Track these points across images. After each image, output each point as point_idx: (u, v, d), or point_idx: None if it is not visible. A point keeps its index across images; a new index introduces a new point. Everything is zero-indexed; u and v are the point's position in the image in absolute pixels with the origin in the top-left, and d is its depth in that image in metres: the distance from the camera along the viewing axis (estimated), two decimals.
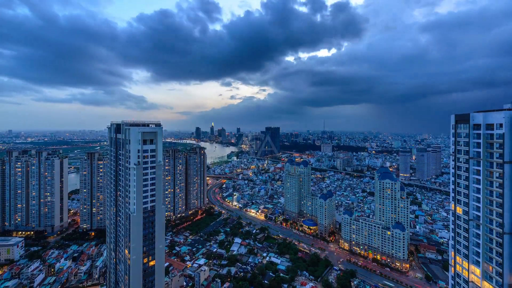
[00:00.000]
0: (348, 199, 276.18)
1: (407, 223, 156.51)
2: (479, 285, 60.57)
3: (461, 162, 66.12)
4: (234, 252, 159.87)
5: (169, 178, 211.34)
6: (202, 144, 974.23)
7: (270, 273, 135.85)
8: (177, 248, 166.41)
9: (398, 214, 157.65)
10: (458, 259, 66.77)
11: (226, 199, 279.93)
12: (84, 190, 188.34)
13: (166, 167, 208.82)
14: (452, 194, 69.09)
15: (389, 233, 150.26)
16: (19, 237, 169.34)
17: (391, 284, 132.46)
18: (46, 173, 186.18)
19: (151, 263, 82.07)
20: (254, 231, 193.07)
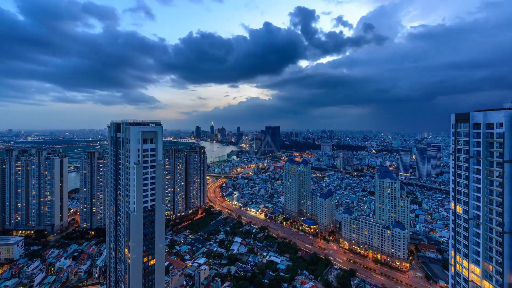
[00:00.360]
0: (348, 198, 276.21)
1: (407, 222, 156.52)
2: (479, 284, 60.57)
3: (461, 161, 66.03)
4: (234, 251, 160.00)
5: (169, 177, 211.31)
6: (202, 143, 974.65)
7: (270, 272, 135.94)
8: (177, 247, 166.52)
9: (398, 213, 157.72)
10: (458, 258, 66.75)
11: (226, 198, 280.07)
12: (84, 189, 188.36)
13: (166, 166, 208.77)
14: (452, 193, 69.02)
15: (389, 232, 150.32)
16: (19, 236, 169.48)
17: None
18: (46, 172, 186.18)
19: (151, 262, 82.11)
20: (254, 230, 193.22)
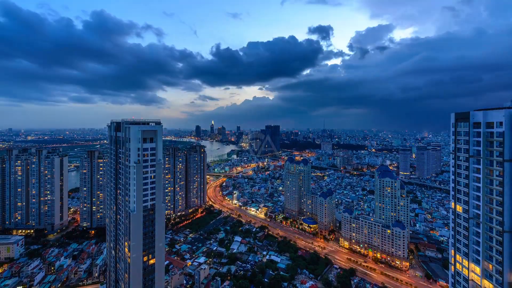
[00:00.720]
0: (348, 197, 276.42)
1: (407, 221, 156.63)
2: (479, 284, 60.59)
3: (461, 160, 65.93)
4: (234, 251, 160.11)
5: (169, 176, 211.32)
6: (202, 142, 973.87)
7: (270, 272, 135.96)
8: (177, 246, 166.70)
9: (398, 213, 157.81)
10: (458, 257, 66.76)
11: (226, 198, 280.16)
12: (84, 189, 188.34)
13: (166, 166, 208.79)
14: (452, 193, 68.94)
15: (389, 231, 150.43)
16: (19, 235, 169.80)
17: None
18: (46, 172, 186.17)
19: (151, 261, 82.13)
20: (254, 230, 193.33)
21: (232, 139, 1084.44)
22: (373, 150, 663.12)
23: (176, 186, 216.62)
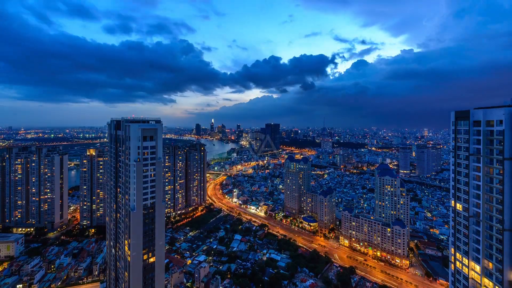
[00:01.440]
0: (348, 195, 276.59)
1: (407, 219, 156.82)
2: (479, 282, 60.66)
3: (461, 158, 65.82)
4: (234, 249, 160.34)
5: (169, 174, 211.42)
6: (202, 140, 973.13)
7: (270, 270, 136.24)
8: (177, 244, 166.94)
9: (398, 211, 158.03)
10: (458, 255, 66.80)
11: (226, 196, 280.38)
12: (84, 187, 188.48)
13: (166, 164, 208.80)
14: (452, 191, 68.90)
15: (389, 229, 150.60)
16: (19, 233, 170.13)
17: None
18: (46, 170, 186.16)
19: (151, 259, 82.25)
20: (254, 228, 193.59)
21: (232, 138, 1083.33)
22: (373, 148, 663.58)
23: (176, 184, 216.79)
